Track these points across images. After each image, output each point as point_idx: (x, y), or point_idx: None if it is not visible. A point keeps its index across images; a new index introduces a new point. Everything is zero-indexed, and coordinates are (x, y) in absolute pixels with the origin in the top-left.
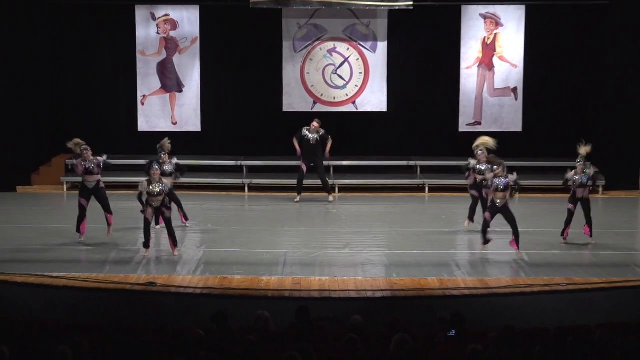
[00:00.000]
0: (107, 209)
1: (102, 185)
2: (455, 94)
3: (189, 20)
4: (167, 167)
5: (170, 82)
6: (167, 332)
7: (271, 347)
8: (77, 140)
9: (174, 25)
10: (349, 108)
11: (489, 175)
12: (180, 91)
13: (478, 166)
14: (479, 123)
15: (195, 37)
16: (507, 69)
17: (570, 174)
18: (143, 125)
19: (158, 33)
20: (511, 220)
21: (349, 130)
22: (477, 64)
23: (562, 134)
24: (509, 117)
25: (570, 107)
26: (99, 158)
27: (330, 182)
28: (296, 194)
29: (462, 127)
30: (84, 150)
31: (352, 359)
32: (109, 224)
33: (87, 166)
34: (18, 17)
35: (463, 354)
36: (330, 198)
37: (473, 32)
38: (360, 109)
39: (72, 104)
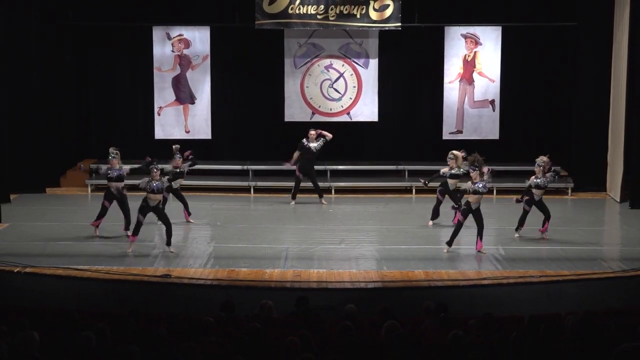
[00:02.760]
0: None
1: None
2: (439, 106)
3: (200, 39)
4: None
5: (184, 95)
6: (180, 319)
7: (274, 333)
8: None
9: (187, 44)
10: (344, 118)
11: (467, 184)
12: (193, 103)
13: (452, 171)
14: (461, 132)
15: (206, 54)
16: (485, 83)
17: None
18: (159, 133)
19: (173, 51)
20: (480, 220)
21: (344, 138)
22: (459, 78)
23: (535, 141)
24: (487, 126)
25: (542, 117)
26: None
27: (327, 184)
28: (292, 199)
29: (445, 135)
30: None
31: (346, 344)
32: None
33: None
34: (48, 37)
35: (446, 338)
36: (323, 202)
37: (455, 51)
38: (354, 119)
39: (96, 115)
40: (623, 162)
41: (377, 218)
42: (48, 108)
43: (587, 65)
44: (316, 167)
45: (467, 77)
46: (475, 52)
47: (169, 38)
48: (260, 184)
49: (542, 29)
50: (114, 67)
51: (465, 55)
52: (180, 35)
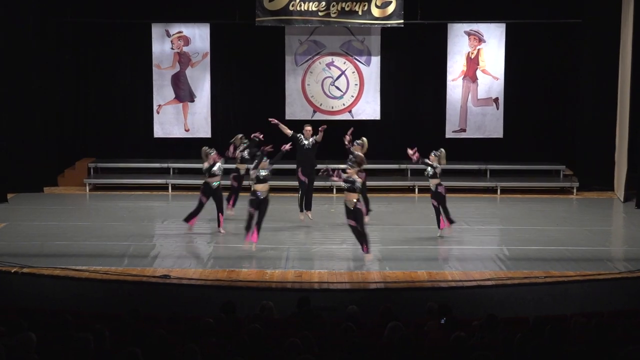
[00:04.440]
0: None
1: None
2: (442, 104)
3: (200, 36)
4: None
5: (183, 93)
6: (180, 320)
7: (275, 334)
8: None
9: (186, 41)
10: (345, 116)
11: (344, 175)
12: (192, 101)
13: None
14: (464, 130)
15: (206, 52)
16: (489, 81)
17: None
18: (158, 131)
19: (172, 48)
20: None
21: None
22: (462, 76)
23: (540, 140)
24: (491, 124)
25: (546, 115)
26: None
27: (328, 183)
28: (300, 210)
29: (449, 134)
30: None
31: (348, 345)
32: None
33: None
34: (46, 34)
35: (450, 340)
36: (309, 215)
37: (458, 48)
38: (356, 117)
39: (94, 113)
40: (627, 160)
41: (379, 218)
42: (46, 106)
43: (592, 63)
44: (317, 166)
45: (470, 75)
46: (478, 49)
47: (169, 35)
48: None
49: (547, 26)
50: (113, 65)
51: (469, 52)
52: (179, 32)
